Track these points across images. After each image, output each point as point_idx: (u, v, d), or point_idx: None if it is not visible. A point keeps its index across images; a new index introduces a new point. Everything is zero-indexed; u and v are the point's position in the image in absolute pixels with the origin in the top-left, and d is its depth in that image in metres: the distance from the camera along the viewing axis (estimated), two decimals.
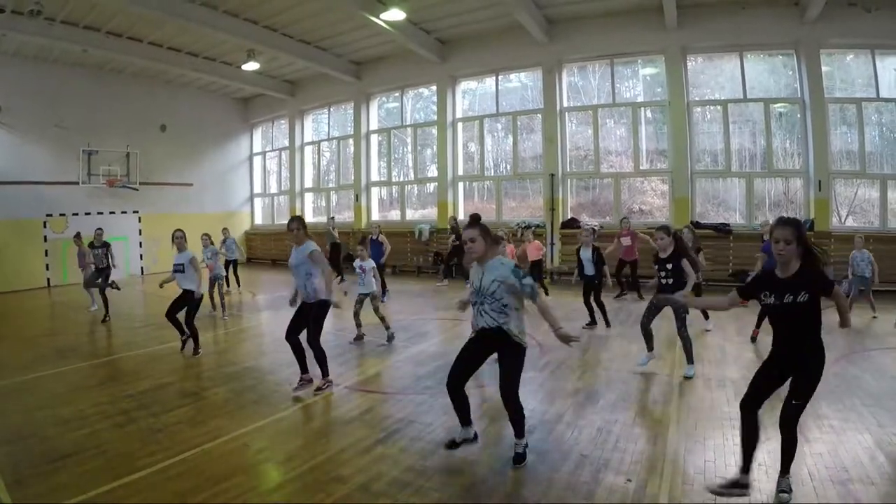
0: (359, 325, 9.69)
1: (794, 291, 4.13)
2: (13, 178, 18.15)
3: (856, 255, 11.07)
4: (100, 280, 13.03)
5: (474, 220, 5.37)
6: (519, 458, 4.83)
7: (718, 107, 15.76)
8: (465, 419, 5.12)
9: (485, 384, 7.07)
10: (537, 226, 17.32)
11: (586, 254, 10.38)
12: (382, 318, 9.52)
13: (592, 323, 10.29)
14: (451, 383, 4.99)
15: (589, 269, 10.35)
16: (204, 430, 5.87)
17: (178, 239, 9.40)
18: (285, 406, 6.58)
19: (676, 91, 15.51)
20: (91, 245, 13.18)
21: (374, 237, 13.63)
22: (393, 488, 4.53)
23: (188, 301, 9.04)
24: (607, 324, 10.24)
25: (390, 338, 9.55)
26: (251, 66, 19.04)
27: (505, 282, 4.72)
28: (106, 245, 13.22)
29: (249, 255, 26.01)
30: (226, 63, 20.57)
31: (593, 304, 10.32)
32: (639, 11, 15.34)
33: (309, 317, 6.98)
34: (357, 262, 9.68)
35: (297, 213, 24.17)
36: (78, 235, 14.16)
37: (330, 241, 17.71)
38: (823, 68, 14.22)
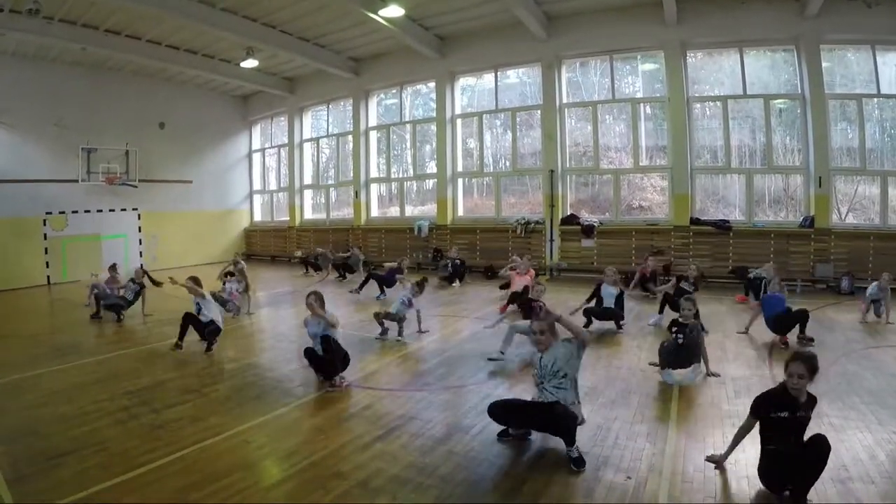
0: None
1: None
2: (12, 177, 18.11)
3: (875, 285, 10.48)
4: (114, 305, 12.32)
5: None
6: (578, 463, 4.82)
7: (718, 103, 15.71)
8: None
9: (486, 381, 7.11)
10: (536, 222, 17.33)
11: (609, 290, 10.14)
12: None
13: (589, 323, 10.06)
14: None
15: (608, 304, 10.08)
16: (204, 426, 5.88)
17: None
18: (285, 402, 6.59)
19: (676, 87, 15.47)
20: (132, 280, 12.63)
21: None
22: (393, 485, 4.54)
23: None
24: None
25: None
26: (250, 63, 19.03)
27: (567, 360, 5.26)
28: (142, 286, 12.60)
29: (249, 252, 25.97)
30: (224, 60, 20.51)
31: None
32: (638, 7, 15.28)
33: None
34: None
35: (296, 209, 24.31)
36: (114, 267, 13.83)
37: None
38: (824, 64, 14.15)
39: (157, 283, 12.80)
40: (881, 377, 6.95)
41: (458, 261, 16.65)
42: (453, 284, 15.93)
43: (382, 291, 14.03)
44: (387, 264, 15.14)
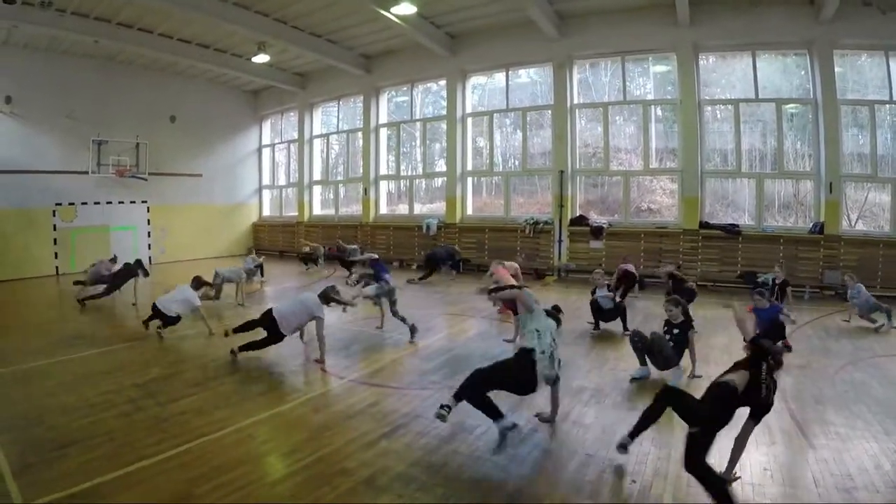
0: None
1: None
2: (23, 168, 18.21)
3: (852, 291, 10.64)
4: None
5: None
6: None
7: (730, 106, 15.64)
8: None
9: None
10: (545, 222, 17.31)
11: (601, 293, 10.12)
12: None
13: (597, 327, 10.14)
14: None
15: (607, 305, 10.04)
16: (210, 419, 5.91)
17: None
18: (291, 398, 6.61)
19: (688, 89, 15.39)
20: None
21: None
22: (398, 483, 4.55)
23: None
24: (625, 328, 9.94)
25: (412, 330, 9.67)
26: (261, 58, 19.02)
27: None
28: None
29: (257, 247, 26.03)
30: (236, 55, 20.55)
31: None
32: (651, 8, 15.23)
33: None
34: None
35: (305, 205, 24.43)
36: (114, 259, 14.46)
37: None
38: (836, 69, 14.08)
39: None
40: (888, 386, 6.89)
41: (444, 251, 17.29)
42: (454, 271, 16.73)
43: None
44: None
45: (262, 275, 16.26)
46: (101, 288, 13.00)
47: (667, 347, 7.05)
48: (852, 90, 14.52)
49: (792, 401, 6.30)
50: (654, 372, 7.26)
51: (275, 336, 8.09)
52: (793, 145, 15.38)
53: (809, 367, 7.69)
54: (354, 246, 18.65)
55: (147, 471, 4.75)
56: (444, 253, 16.91)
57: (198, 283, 10.36)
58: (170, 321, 9.66)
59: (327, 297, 8.39)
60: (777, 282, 11.59)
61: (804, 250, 14.26)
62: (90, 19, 16.12)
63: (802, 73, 14.94)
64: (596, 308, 10.07)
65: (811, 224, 14.45)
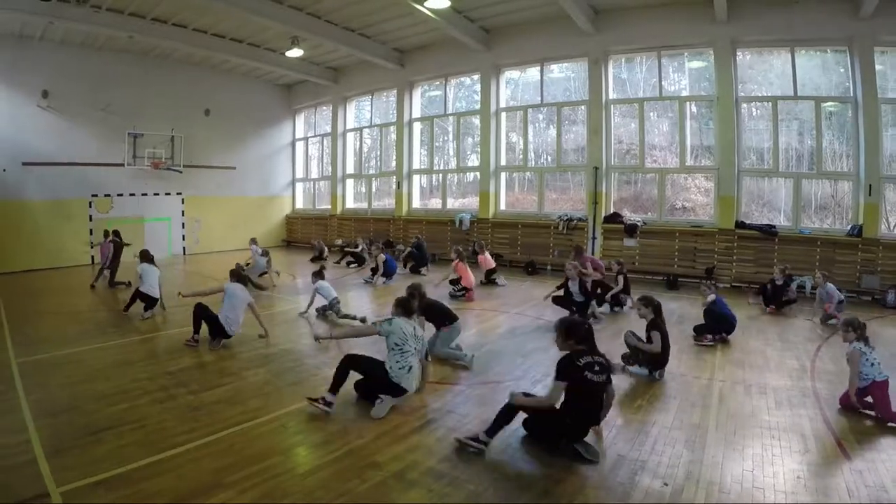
0: None
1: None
2: (60, 160, 18.65)
3: (822, 290, 11.18)
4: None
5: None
6: None
7: (767, 103, 15.32)
8: None
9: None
10: (579, 219, 17.17)
11: (574, 287, 10.76)
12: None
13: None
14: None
15: (578, 298, 10.72)
16: (242, 409, 5.97)
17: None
18: (323, 389, 6.59)
19: (725, 86, 15.10)
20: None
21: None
22: (428, 478, 4.55)
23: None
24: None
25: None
26: (295, 52, 19.15)
27: None
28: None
29: (289, 239, 26.51)
30: (270, 49, 20.74)
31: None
32: (688, 3, 15.00)
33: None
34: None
35: (338, 198, 24.58)
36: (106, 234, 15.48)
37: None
38: (877, 67, 13.67)
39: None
40: None
41: (414, 249, 17.78)
42: (421, 271, 17.18)
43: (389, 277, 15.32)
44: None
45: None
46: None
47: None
48: (893, 89, 14.09)
49: (826, 408, 6.16)
50: (695, 370, 7.16)
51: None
52: (831, 145, 14.97)
53: (844, 374, 7.48)
54: (362, 245, 19.04)
55: (178, 458, 4.81)
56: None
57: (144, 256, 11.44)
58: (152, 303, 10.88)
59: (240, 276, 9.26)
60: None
61: (841, 253, 13.89)
62: (125, 15, 16.41)
63: (842, 70, 14.55)
64: (568, 301, 10.75)
65: (849, 226, 14.08)
